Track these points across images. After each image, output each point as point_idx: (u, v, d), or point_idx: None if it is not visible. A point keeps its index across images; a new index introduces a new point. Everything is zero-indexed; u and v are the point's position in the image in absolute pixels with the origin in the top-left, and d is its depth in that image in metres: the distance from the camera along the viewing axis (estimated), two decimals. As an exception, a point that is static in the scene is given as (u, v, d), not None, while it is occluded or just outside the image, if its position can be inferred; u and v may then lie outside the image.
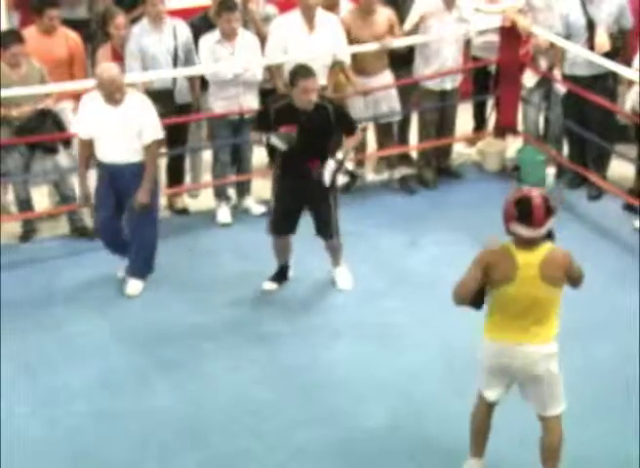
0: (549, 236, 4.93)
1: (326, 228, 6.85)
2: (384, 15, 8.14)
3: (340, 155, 6.63)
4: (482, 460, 5.29)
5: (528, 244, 4.84)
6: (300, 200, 6.78)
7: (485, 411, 5.22)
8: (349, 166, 8.57)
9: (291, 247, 7.01)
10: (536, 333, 4.93)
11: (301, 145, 6.49)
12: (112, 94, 6.57)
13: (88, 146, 6.84)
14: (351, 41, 8.04)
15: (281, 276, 7.10)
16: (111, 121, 6.66)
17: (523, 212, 4.77)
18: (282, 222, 6.83)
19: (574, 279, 4.99)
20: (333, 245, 6.96)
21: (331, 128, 6.62)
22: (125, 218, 6.97)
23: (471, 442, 5.28)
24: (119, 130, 6.66)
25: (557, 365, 5.01)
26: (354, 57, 8.10)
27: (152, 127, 6.75)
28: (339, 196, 6.91)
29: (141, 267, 7.08)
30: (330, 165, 6.59)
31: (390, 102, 8.36)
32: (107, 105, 6.65)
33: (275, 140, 6.50)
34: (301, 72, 6.44)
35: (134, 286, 7.06)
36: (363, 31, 8.04)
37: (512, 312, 4.92)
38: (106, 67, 6.69)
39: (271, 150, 6.70)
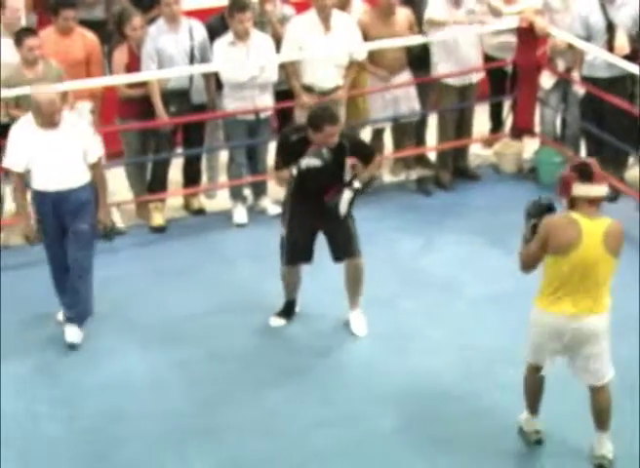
0: (550, 209, 5.13)
1: (348, 245, 6.42)
2: (403, 14, 8.14)
3: (357, 184, 6.23)
4: (538, 417, 5.52)
5: (590, 209, 5.03)
6: (315, 224, 6.39)
7: (535, 377, 5.38)
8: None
9: (301, 280, 6.67)
10: (593, 304, 5.10)
11: (317, 181, 6.16)
12: (52, 116, 6.13)
13: (24, 178, 6.35)
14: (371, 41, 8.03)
15: (289, 311, 6.76)
16: (52, 146, 6.18)
17: (583, 171, 5.02)
18: (297, 251, 6.44)
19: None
20: (356, 266, 6.46)
21: (346, 160, 6.24)
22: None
23: (527, 402, 5.49)
24: (62, 154, 6.21)
25: (608, 334, 5.21)
26: (373, 56, 8.09)
27: (95, 143, 6.36)
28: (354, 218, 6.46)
29: (83, 309, 6.51)
30: (347, 194, 6.21)
31: (409, 102, 8.36)
32: (44, 131, 6.17)
33: (308, 161, 6.10)
34: (328, 119, 6.04)
35: (74, 333, 6.48)
36: (383, 32, 8.03)
37: (572, 281, 5.05)
38: (43, 88, 6.27)
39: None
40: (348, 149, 6.19)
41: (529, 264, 5.21)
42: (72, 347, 6.41)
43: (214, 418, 5.85)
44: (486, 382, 6.04)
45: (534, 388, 5.45)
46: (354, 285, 6.55)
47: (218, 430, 5.75)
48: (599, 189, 5.06)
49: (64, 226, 6.35)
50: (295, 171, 6.13)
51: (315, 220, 6.36)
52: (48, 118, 6.13)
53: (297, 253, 6.45)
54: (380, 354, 6.35)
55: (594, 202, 5.06)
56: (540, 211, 5.19)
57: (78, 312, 6.48)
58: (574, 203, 5.08)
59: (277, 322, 6.73)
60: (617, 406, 5.46)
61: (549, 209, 5.17)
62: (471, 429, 5.53)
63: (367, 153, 6.39)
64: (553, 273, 5.12)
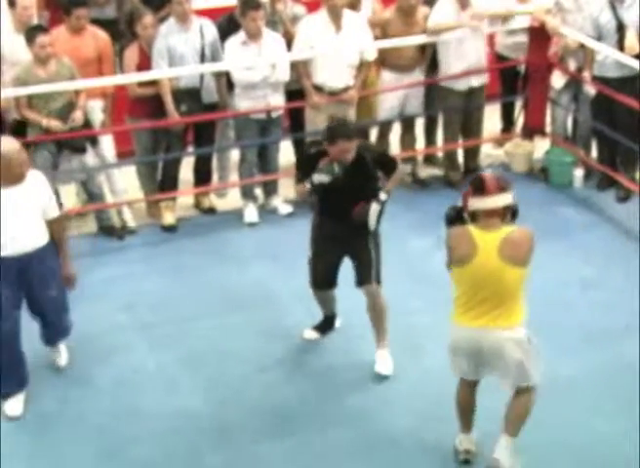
0: (513, 216, 5.06)
1: (366, 271, 6.12)
2: (422, 14, 8.15)
3: (383, 196, 6.00)
4: (471, 434, 5.41)
5: (487, 221, 4.96)
6: (339, 248, 6.15)
7: (467, 392, 5.32)
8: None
9: (334, 297, 6.46)
10: (500, 317, 4.99)
11: (337, 198, 5.94)
12: (17, 168, 5.57)
13: None
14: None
15: (326, 326, 6.58)
16: (12, 204, 5.60)
17: (476, 185, 4.98)
18: (322, 278, 6.26)
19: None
20: (372, 294, 6.15)
21: (370, 173, 5.99)
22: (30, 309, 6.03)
23: (459, 419, 5.40)
24: (24, 213, 5.65)
25: (527, 347, 5.07)
26: (392, 54, 8.12)
27: (54, 199, 5.86)
28: (380, 242, 6.21)
29: (65, 328, 6.23)
30: (374, 208, 5.97)
31: (418, 100, 8.41)
32: (3, 188, 5.58)
33: (318, 177, 5.88)
34: (343, 133, 5.78)
35: (14, 406, 5.94)
36: (404, 31, 8.05)
37: (475, 294, 4.99)
38: (7, 142, 5.62)
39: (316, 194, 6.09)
40: (371, 162, 5.95)
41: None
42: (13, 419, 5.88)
43: (225, 418, 5.85)
44: (495, 382, 6.03)
45: (463, 404, 5.35)
46: (374, 316, 6.21)
47: (228, 429, 5.76)
48: (493, 200, 4.94)
49: (23, 294, 5.86)
50: (308, 185, 5.95)
51: (339, 244, 6.13)
52: (12, 171, 5.56)
53: (318, 279, 6.27)
54: (390, 354, 6.33)
55: (492, 214, 4.96)
56: (448, 219, 5.21)
57: (65, 328, 6.23)
58: (474, 217, 5.02)
59: (310, 335, 6.56)
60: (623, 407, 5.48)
61: (458, 217, 5.13)
62: (481, 429, 5.52)
63: (389, 165, 6.15)
64: (458, 286, 5.07)
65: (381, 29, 8.12)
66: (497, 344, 5.04)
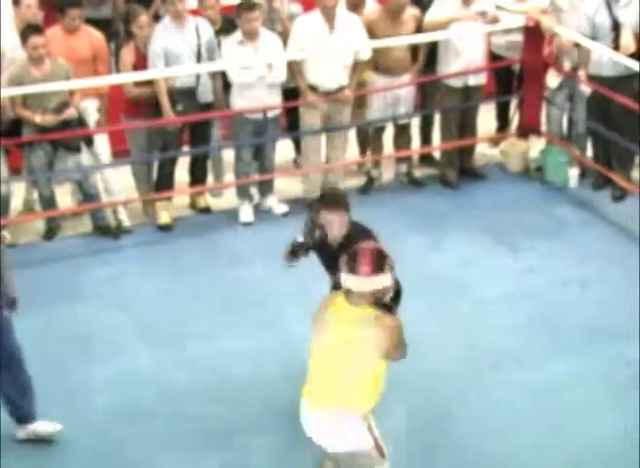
0: (397, 296, 4.66)
1: None
2: (411, 14, 8.14)
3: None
4: None
5: (354, 299, 4.43)
6: None
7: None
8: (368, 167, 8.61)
9: None
10: (334, 398, 4.48)
11: (328, 268, 5.51)
12: None
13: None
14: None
15: None
16: None
17: (350, 258, 4.45)
18: None
19: (400, 353, 4.57)
20: None
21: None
22: None
23: None
24: None
25: (360, 445, 4.58)
26: (380, 56, 8.10)
27: None
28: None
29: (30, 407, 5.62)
30: None
31: (408, 103, 8.40)
32: None
33: (297, 236, 5.44)
34: (325, 203, 5.26)
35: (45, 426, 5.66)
36: (390, 31, 8.03)
37: (315, 368, 4.54)
38: None
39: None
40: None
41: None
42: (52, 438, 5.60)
43: (221, 418, 5.84)
44: (493, 382, 6.04)
45: None
46: None
47: (227, 430, 5.74)
48: (359, 283, 4.39)
49: None
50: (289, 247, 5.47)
51: None
52: None
53: None
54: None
55: (361, 295, 4.42)
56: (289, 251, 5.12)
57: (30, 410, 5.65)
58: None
59: None
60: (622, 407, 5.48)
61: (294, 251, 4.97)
62: (478, 429, 5.53)
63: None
64: (310, 357, 4.58)
65: (367, 30, 8.05)
66: (317, 428, 4.57)
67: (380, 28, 8.07)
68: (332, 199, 5.30)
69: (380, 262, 4.45)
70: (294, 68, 7.92)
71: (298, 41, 7.86)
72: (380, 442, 4.63)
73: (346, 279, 4.44)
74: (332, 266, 5.18)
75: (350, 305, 4.45)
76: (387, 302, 4.59)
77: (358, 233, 5.22)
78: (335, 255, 4.94)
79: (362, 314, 4.43)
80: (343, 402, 4.48)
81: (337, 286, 4.93)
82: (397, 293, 4.75)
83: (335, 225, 5.20)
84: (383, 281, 4.45)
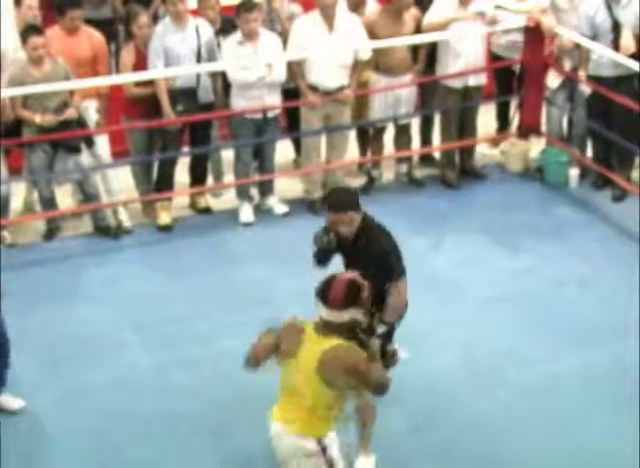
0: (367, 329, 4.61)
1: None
2: (411, 14, 8.14)
3: (380, 329, 5.21)
4: None
5: (323, 329, 4.35)
6: None
7: None
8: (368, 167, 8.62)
9: None
10: (293, 420, 4.45)
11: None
12: None
13: None
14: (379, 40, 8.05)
15: None
16: None
17: (321, 289, 4.36)
18: None
19: (366, 387, 4.43)
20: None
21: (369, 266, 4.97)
22: None
23: None
24: None
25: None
26: (382, 56, 8.10)
27: None
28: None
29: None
30: (374, 344, 5.15)
31: (409, 104, 8.40)
32: None
33: (323, 239, 5.24)
34: (329, 203, 5.21)
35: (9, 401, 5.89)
36: (392, 31, 8.03)
37: (283, 393, 4.52)
38: None
39: None
40: (369, 255, 5.12)
41: (252, 360, 4.68)
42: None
43: (222, 418, 5.84)
44: (493, 382, 6.04)
45: None
46: (362, 429, 5.51)
47: (226, 430, 5.75)
48: (330, 314, 4.31)
49: None
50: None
51: None
52: None
53: None
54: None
55: (327, 325, 4.34)
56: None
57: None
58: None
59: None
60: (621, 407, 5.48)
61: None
62: (478, 429, 5.53)
63: (384, 273, 5.19)
64: (279, 379, 4.55)
65: (368, 31, 8.04)
66: (286, 446, 4.54)
67: (381, 29, 8.07)
68: (333, 200, 5.25)
69: (351, 295, 4.33)
70: (294, 68, 7.93)
71: (297, 41, 7.87)
72: (335, 463, 4.56)
73: (317, 306, 4.36)
74: (347, 264, 5.21)
75: (317, 334, 4.37)
76: (361, 336, 4.58)
77: (371, 230, 5.20)
78: (349, 253, 5.12)
79: (324, 344, 4.32)
80: (297, 427, 4.46)
81: None
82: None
83: (338, 226, 5.15)
84: (353, 314, 4.34)
